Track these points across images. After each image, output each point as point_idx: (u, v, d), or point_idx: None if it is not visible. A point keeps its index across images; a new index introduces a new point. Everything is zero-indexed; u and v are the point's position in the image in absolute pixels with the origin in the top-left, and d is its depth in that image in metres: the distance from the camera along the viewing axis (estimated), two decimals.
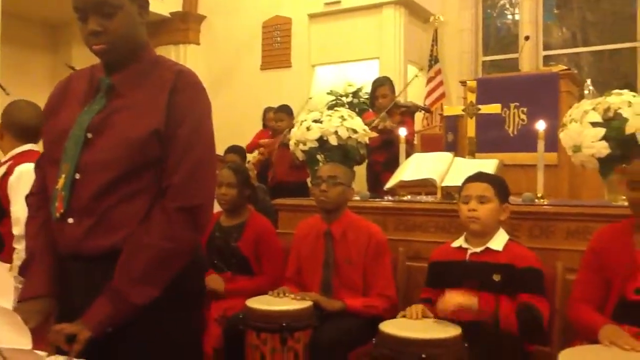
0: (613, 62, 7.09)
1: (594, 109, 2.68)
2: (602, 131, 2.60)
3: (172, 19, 7.59)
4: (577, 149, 2.67)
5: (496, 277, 2.15)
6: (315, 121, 3.37)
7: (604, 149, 2.59)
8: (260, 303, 2.39)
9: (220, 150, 4.54)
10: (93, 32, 1.46)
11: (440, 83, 6.78)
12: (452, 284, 2.20)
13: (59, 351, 1.34)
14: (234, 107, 7.02)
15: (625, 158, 2.53)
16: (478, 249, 2.23)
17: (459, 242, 2.31)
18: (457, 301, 2.02)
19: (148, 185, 1.47)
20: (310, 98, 5.96)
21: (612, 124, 2.60)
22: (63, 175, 1.45)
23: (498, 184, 2.27)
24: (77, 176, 1.44)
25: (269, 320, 2.29)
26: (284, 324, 2.26)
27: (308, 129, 3.34)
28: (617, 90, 2.74)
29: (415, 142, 5.20)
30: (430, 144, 5.06)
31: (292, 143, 3.50)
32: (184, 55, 7.69)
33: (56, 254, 1.51)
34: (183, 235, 1.46)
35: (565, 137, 2.76)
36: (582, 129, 2.64)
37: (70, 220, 1.44)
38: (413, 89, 6.24)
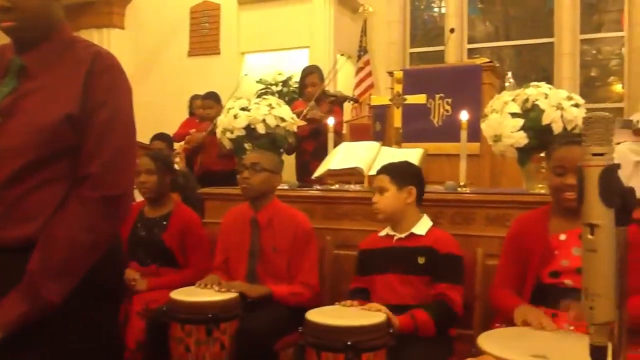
0: (532, 56, 7.40)
1: (513, 100, 2.76)
2: (520, 122, 2.69)
3: (95, 1, 7.26)
4: (497, 138, 2.76)
5: (420, 260, 2.22)
6: (242, 109, 3.32)
7: (522, 139, 2.69)
8: (185, 295, 2.34)
9: (145, 138, 4.42)
10: (0, 8, 1.36)
11: (369, 73, 6.84)
12: (380, 270, 2.28)
13: None
14: (160, 94, 6.84)
15: (542, 148, 2.63)
16: (403, 235, 2.30)
17: (386, 230, 2.38)
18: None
19: (63, 173, 1.40)
20: (246, 74, 5.81)
21: (530, 114, 2.69)
22: None
23: (393, 170, 2.34)
24: None
25: (194, 312, 2.25)
26: (209, 315, 2.22)
27: (235, 116, 3.29)
28: (535, 83, 2.84)
29: (344, 131, 5.22)
30: (359, 134, 5.09)
31: (219, 131, 3.44)
32: (108, 40, 7.38)
33: None
34: (103, 226, 1.40)
35: (487, 127, 2.84)
36: (502, 120, 2.73)
37: None
38: (342, 79, 6.27)
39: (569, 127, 2.66)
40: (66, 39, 1.48)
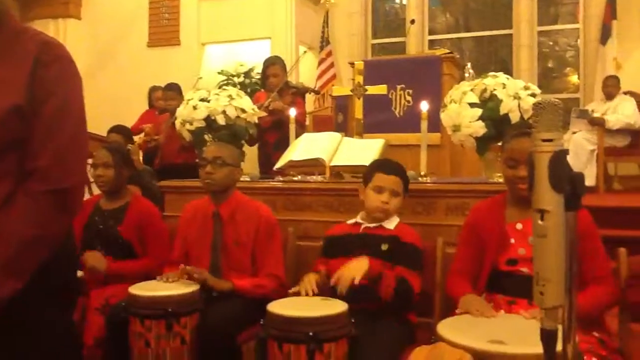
0: (492, 48, 7.52)
1: (472, 90, 2.79)
2: (479, 111, 2.72)
3: None
4: (456, 128, 2.79)
5: (384, 247, 2.25)
6: (202, 100, 3.27)
7: (480, 128, 2.72)
8: (144, 289, 2.30)
9: (104, 130, 4.33)
10: None
11: (332, 65, 6.84)
12: (344, 253, 2.29)
13: None
14: (118, 85, 6.72)
15: (499, 137, 2.66)
16: (372, 225, 2.34)
17: (354, 219, 2.41)
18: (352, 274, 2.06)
19: (11, 167, 1.34)
20: (200, 77, 5.78)
21: (488, 104, 2.72)
22: None
23: (405, 178, 2.38)
24: None
25: (154, 307, 2.22)
26: (169, 310, 2.19)
27: (195, 108, 3.23)
28: (493, 73, 2.87)
29: (307, 123, 5.22)
30: (322, 125, 5.10)
31: (178, 122, 3.38)
32: (64, 31, 7.20)
33: None
34: (52, 220, 1.35)
35: (446, 117, 2.87)
36: (461, 110, 2.75)
37: None
38: (305, 71, 6.26)
39: (526, 117, 2.70)
40: (14, 29, 1.42)
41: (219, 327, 2.22)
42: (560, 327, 0.96)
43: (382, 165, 2.40)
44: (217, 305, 2.32)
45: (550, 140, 0.94)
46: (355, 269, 2.07)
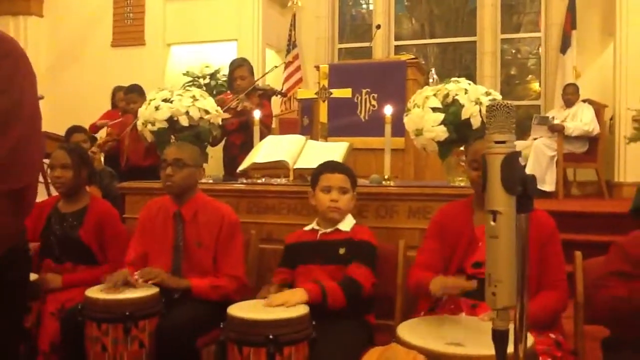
0: (456, 54, 7.64)
1: (434, 95, 2.82)
2: (441, 116, 2.75)
3: None
4: (418, 132, 2.81)
5: (342, 251, 2.27)
6: (165, 100, 3.22)
7: (442, 132, 2.75)
8: (101, 292, 2.24)
9: (64, 131, 4.23)
10: None
11: (298, 68, 6.85)
12: (303, 261, 2.32)
13: None
14: (81, 86, 6.60)
15: (461, 141, 2.70)
16: (328, 230, 2.35)
17: (311, 225, 2.42)
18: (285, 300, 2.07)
19: None
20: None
21: (450, 109, 2.76)
22: None
23: (352, 175, 2.41)
24: None
25: (111, 310, 2.16)
26: (127, 313, 2.14)
27: (157, 108, 3.18)
28: (455, 78, 2.91)
29: (274, 126, 5.20)
30: (288, 128, 5.09)
31: (139, 123, 3.32)
32: (25, 28, 7.03)
33: None
34: (4, 221, 1.32)
35: (409, 122, 2.89)
36: (424, 114, 2.78)
37: None
38: (271, 73, 6.22)
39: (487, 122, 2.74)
40: None
41: (179, 330, 2.18)
42: (511, 328, 0.97)
43: (326, 166, 2.44)
44: (177, 308, 2.29)
45: (502, 142, 0.95)
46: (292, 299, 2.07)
